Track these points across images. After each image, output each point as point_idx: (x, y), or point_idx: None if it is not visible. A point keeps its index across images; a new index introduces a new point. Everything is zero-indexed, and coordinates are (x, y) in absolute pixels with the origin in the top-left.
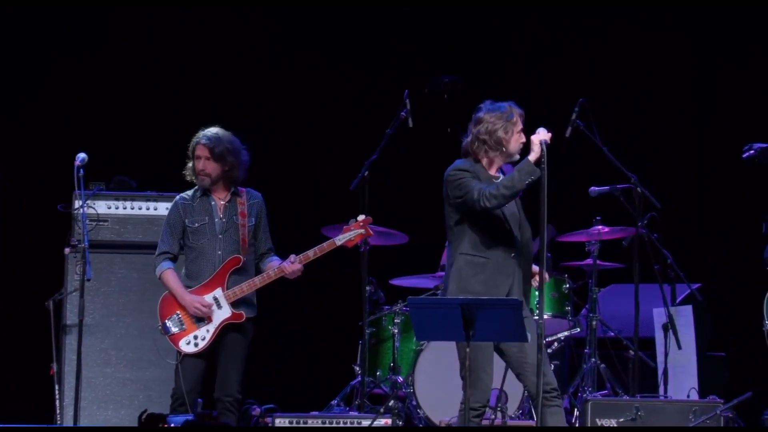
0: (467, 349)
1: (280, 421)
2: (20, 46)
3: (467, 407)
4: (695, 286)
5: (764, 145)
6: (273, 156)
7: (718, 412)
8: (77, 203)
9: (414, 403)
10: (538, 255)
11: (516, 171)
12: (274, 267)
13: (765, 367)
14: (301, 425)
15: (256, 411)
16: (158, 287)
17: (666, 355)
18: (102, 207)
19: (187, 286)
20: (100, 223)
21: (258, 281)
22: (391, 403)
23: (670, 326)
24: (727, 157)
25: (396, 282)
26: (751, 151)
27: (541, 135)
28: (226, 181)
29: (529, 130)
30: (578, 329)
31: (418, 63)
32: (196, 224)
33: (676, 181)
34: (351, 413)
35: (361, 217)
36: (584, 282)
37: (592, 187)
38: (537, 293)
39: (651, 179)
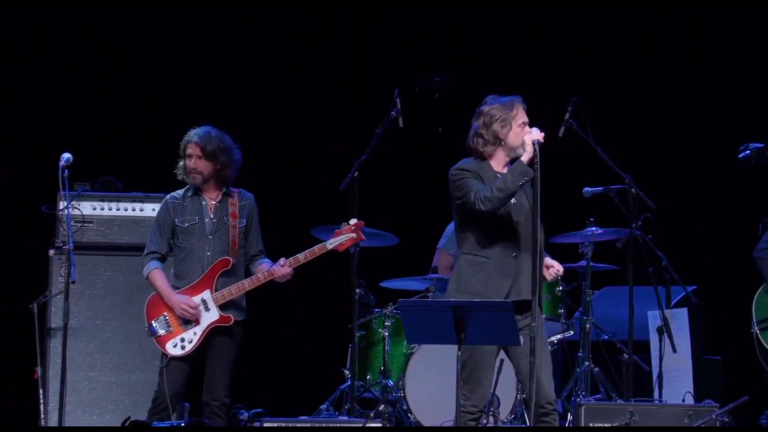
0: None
1: (269, 426)
2: (4, 46)
3: (458, 408)
4: (690, 288)
5: (760, 146)
6: (261, 157)
7: (714, 416)
8: (62, 204)
9: (405, 407)
10: (532, 257)
11: (509, 172)
12: (264, 270)
13: (760, 370)
14: (291, 427)
15: (244, 415)
16: (144, 289)
17: (661, 358)
18: (87, 208)
19: (175, 287)
20: (85, 225)
21: (247, 284)
22: (382, 407)
23: (664, 329)
24: (723, 157)
25: (386, 284)
26: (747, 152)
27: (534, 135)
28: (217, 180)
29: None
30: (571, 332)
31: (411, 63)
32: (186, 224)
33: (671, 181)
34: (340, 418)
35: (352, 221)
36: (578, 284)
37: (586, 188)
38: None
39: (645, 180)
